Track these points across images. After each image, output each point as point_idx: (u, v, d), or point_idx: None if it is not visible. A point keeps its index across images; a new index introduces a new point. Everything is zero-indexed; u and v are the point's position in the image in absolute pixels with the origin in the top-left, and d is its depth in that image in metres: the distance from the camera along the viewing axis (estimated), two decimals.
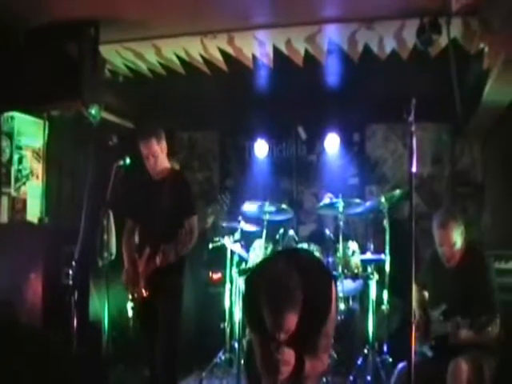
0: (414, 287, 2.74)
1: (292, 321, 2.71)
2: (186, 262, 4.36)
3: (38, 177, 5.76)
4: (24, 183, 5.58)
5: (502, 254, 4.94)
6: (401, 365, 3.78)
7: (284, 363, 2.77)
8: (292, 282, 2.73)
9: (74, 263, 4.09)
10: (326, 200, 5.50)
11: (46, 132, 5.80)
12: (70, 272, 4.05)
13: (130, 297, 4.26)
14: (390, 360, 5.11)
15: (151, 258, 4.15)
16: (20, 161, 5.54)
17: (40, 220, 5.57)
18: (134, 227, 4.47)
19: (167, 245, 4.14)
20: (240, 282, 5.28)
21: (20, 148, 5.54)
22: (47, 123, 5.78)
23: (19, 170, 5.53)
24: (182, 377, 5.57)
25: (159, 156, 4.30)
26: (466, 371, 3.47)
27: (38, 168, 5.78)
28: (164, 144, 4.36)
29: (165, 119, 6.88)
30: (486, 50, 4.39)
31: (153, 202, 4.26)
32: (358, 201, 5.51)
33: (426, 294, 4.05)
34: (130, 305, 4.26)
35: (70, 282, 4.02)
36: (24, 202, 5.55)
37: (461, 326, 3.54)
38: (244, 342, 5.10)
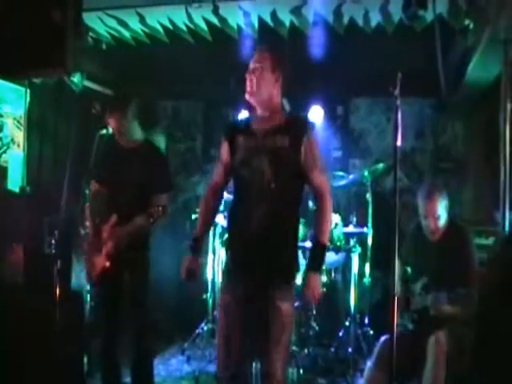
0: (397, 260, 2.77)
1: None
2: (151, 235, 4.19)
3: (19, 145, 5.70)
4: (5, 151, 5.52)
5: (482, 230, 4.99)
6: (383, 337, 3.84)
7: None
8: None
9: (56, 232, 4.07)
10: None
11: (28, 99, 5.72)
12: (53, 241, 4.02)
13: (91, 269, 4.08)
14: (372, 332, 5.21)
15: (118, 225, 3.96)
16: (1, 129, 5.47)
17: (21, 189, 5.52)
18: (99, 192, 4.21)
19: (139, 217, 3.92)
20: (222, 253, 5.31)
21: (1, 116, 5.47)
22: (29, 91, 5.70)
23: (0, 138, 5.47)
24: (164, 348, 5.63)
25: (128, 128, 4.08)
26: (445, 344, 3.54)
27: (19, 136, 5.71)
28: (132, 115, 4.09)
29: (148, 88, 6.83)
30: (471, 26, 4.39)
31: (123, 170, 4.04)
32: (341, 174, 5.54)
33: (408, 267, 4.10)
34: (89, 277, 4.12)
35: (53, 251, 4.01)
36: (5, 170, 5.49)
37: (440, 299, 3.60)
38: None
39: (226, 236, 3.36)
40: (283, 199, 3.00)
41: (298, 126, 3.08)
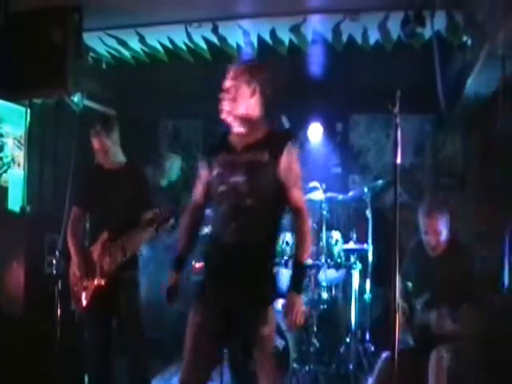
0: (398, 277, 2.77)
1: None
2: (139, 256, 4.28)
3: (19, 165, 5.71)
4: (5, 171, 5.53)
5: (482, 245, 4.98)
6: (384, 354, 3.82)
7: None
8: None
9: (57, 252, 4.07)
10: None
11: (28, 119, 5.73)
12: (54, 261, 4.02)
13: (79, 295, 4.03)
14: (373, 349, 5.18)
15: (109, 242, 3.99)
16: (1, 148, 5.49)
17: (22, 209, 5.51)
18: (81, 217, 4.26)
19: (135, 228, 4.00)
20: None
21: (1, 135, 5.49)
22: (29, 110, 5.72)
23: (0, 158, 5.48)
24: (164, 367, 5.59)
25: (110, 149, 4.13)
26: (448, 361, 3.53)
27: (20, 156, 5.72)
28: (116, 136, 4.16)
29: (148, 107, 6.86)
30: (469, 42, 4.42)
31: (109, 192, 4.09)
32: (340, 191, 5.57)
33: (409, 283, 4.09)
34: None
35: (54, 271, 4.00)
36: (5, 190, 5.50)
37: (443, 316, 3.58)
38: None
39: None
40: (259, 216, 2.89)
41: (278, 141, 2.98)
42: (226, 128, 3.09)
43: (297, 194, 2.98)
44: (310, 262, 3.06)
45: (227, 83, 3.00)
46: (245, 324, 2.87)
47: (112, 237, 4.00)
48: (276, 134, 3.08)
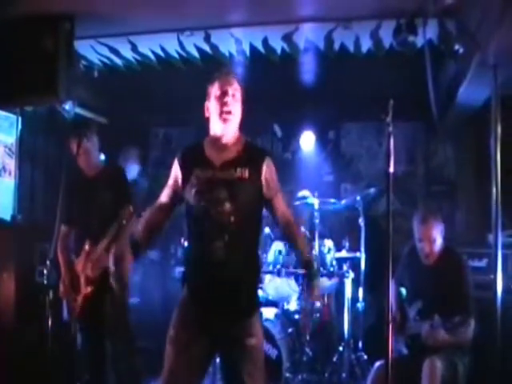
0: (391, 285, 2.76)
1: None
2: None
3: (10, 173, 5.68)
4: None
5: (474, 252, 4.99)
6: (378, 363, 3.81)
7: None
8: None
9: (48, 262, 4.04)
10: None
11: (19, 127, 5.71)
12: (45, 271, 4.00)
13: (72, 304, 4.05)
14: (365, 357, 5.17)
15: (90, 248, 4.03)
16: None
17: (13, 217, 5.48)
18: (68, 233, 4.29)
19: (108, 235, 3.99)
20: None
21: None
22: (20, 118, 5.70)
23: None
24: (158, 376, 5.53)
25: (91, 153, 4.24)
26: (441, 369, 3.52)
27: (11, 164, 5.69)
28: (95, 140, 4.28)
29: (140, 115, 6.85)
30: (461, 51, 4.43)
31: (89, 200, 4.14)
32: (333, 200, 5.55)
33: (404, 291, 4.09)
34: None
35: (45, 281, 3.97)
36: None
37: (436, 326, 3.58)
38: None
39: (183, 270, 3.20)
40: (243, 232, 2.89)
41: (256, 156, 2.99)
42: (199, 141, 3.06)
43: (282, 206, 3.04)
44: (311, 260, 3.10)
45: (230, 87, 2.97)
46: (231, 336, 2.87)
47: (93, 243, 4.03)
48: (252, 150, 3.06)
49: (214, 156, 2.98)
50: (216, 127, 2.99)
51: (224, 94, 2.95)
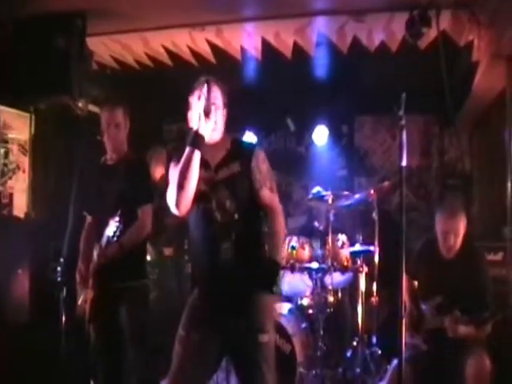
0: (405, 279, 2.74)
1: None
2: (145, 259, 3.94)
3: (24, 171, 5.70)
4: (10, 177, 5.51)
5: (490, 246, 4.95)
6: (396, 360, 3.78)
7: None
8: None
9: (61, 259, 4.04)
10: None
11: (33, 125, 5.73)
12: (58, 268, 3.99)
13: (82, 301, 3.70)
14: (379, 352, 5.13)
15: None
16: (6, 155, 5.47)
17: (27, 215, 5.51)
18: (92, 224, 3.91)
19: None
20: None
21: (6, 142, 5.47)
22: (33, 116, 5.71)
23: (5, 164, 5.45)
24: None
25: (122, 129, 3.87)
26: (490, 367, 3.50)
27: (25, 162, 5.70)
28: (128, 121, 3.93)
29: (153, 111, 6.85)
30: (475, 42, 4.39)
31: (107, 190, 3.78)
32: (347, 193, 5.51)
33: (416, 283, 4.07)
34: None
35: (59, 278, 3.96)
36: (11, 196, 5.48)
37: (459, 320, 3.56)
38: None
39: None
40: (248, 228, 2.90)
41: (245, 150, 2.99)
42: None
43: (266, 194, 2.98)
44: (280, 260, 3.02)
45: (210, 96, 2.86)
46: (243, 334, 2.85)
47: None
48: (239, 143, 3.07)
49: (208, 155, 2.94)
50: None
51: (205, 106, 2.84)
